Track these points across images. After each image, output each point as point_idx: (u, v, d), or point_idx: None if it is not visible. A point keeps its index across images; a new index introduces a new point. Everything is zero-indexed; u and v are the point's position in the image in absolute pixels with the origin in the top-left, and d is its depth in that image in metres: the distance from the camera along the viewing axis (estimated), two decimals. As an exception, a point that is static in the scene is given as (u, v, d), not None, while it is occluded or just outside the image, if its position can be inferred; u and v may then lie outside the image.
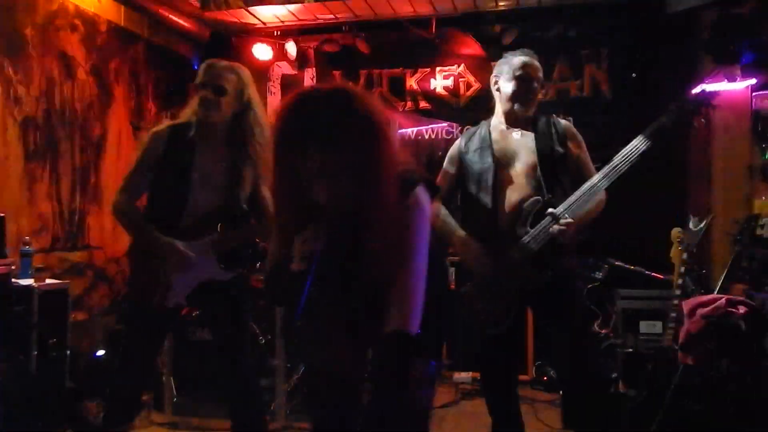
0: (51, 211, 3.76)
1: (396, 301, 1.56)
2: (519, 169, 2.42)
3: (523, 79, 2.44)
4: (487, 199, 2.41)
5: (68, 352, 3.27)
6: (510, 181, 2.42)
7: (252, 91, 2.44)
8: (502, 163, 2.44)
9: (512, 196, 2.39)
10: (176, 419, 3.54)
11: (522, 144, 2.45)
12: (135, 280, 2.44)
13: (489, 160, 2.44)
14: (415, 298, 1.57)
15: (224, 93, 2.36)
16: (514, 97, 2.45)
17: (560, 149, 2.42)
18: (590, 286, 3.87)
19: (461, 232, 2.44)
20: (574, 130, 2.52)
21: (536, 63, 2.49)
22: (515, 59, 2.48)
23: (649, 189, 4.20)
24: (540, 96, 2.54)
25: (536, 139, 2.44)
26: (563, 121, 2.54)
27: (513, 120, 2.50)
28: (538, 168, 2.39)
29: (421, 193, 1.65)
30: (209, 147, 2.40)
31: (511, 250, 2.36)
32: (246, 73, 2.45)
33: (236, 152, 2.39)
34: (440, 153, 4.90)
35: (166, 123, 2.52)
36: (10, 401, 2.62)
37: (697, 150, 4.45)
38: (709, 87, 4.22)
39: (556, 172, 2.40)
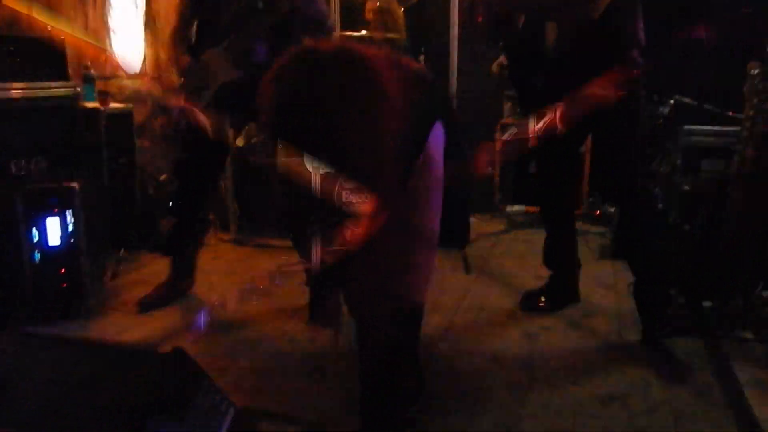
0: (107, 39, 3.75)
1: (404, 271, 1.60)
2: None
3: None
4: None
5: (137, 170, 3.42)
6: None
7: None
8: None
9: None
10: (240, 237, 3.82)
11: None
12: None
13: None
14: (426, 268, 1.64)
15: None
16: None
17: None
18: (654, 122, 3.71)
19: None
20: None
21: None
22: None
23: (725, 21, 3.89)
24: None
25: None
26: None
27: None
28: None
29: (431, 146, 1.60)
30: None
31: None
32: None
33: None
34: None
35: None
36: (90, 218, 2.76)
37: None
38: None
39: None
